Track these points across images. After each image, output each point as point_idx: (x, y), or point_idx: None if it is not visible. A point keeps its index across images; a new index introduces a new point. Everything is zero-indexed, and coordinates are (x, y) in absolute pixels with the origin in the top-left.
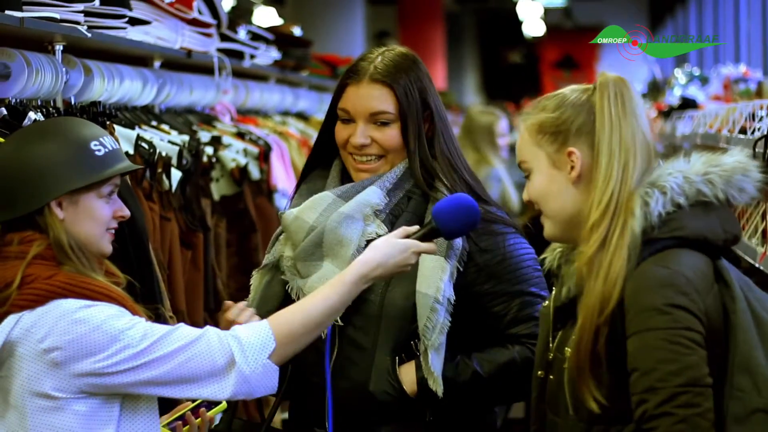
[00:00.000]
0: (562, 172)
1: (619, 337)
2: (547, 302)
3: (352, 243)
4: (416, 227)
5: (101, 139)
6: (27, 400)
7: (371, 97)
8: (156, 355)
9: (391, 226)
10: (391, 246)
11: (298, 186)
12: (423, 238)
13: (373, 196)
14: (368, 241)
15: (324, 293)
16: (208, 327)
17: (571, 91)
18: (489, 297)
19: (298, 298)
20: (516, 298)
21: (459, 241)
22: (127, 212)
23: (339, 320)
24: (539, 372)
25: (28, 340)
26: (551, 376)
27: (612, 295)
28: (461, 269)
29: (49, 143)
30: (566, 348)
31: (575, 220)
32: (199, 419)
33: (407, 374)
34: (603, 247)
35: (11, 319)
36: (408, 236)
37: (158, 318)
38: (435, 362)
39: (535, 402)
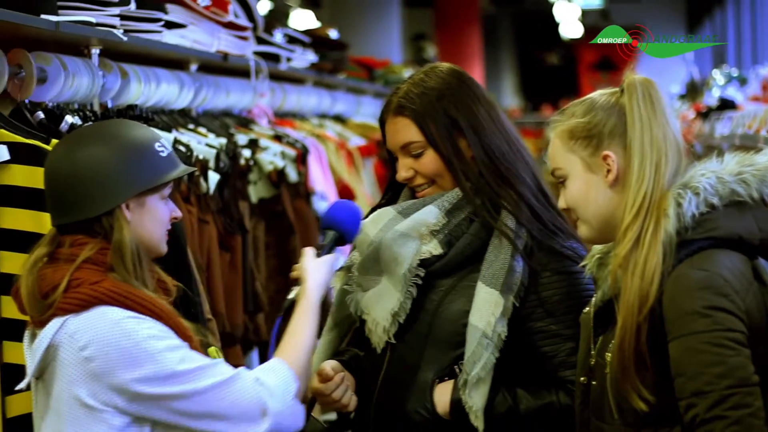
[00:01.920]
0: (598, 176)
1: (659, 339)
2: (587, 308)
3: (405, 262)
4: (313, 248)
5: (161, 140)
6: (64, 405)
7: (396, 131)
8: (191, 385)
9: (449, 246)
10: (327, 264)
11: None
12: (330, 251)
13: (429, 215)
14: (421, 261)
15: (305, 323)
16: (240, 370)
17: (598, 95)
18: (541, 335)
19: (356, 312)
20: (569, 342)
21: (517, 275)
22: (179, 213)
23: (392, 338)
24: (582, 378)
25: (71, 345)
26: (594, 382)
27: (650, 292)
28: (517, 305)
29: (114, 145)
30: (607, 353)
31: (612, 222)
32: None
33: (441, 395)
34: (637, 245)
35: (56, 322)
36: (318, 253)
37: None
38: (474, 396)
39: (579, 408)
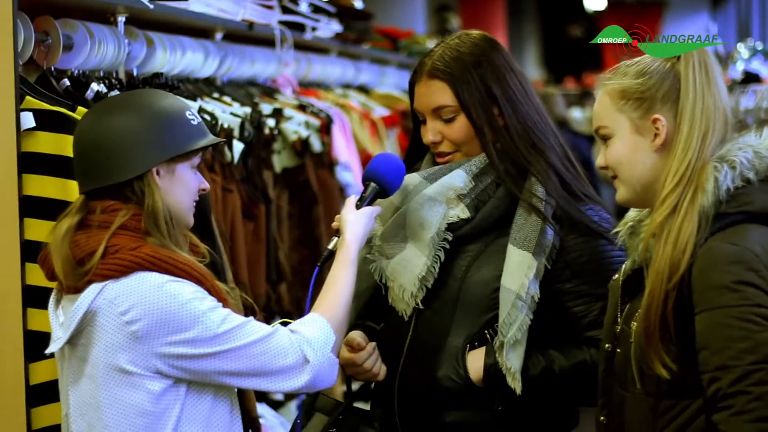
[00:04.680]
0: (645, 139)
1: (685, 310)
2: (617, 275)
3: (432, 226)
4: (355, 197)
5: (192, 109)
6: (101, 372)
7: (429, 93)
8: (232, 344)
9: (476, 211)
10: (367, 216)
11: None
12: (371, 203)
13: (457, 179)
14: (449, 224)
15: (342, 276)
16: (278, 326)
17: (652, 59)
18: (571, 296)
19: (381, 280)
20: (599, 301)
21: (549, 238)
22: (207, 185)
23: (420, 303)
24: (606, 345)
25: (111, 311)
26: (618, 350)
27: (681, 261)
28: (549, 267)
29: (145, 112)
30: (633, 322)
31: (653, 187)
32: None
33: (474, 361)
34: (673, 213)
35: (94, 288)
36: (358, 204)
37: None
38: (511, 358)
39: (602, 375)
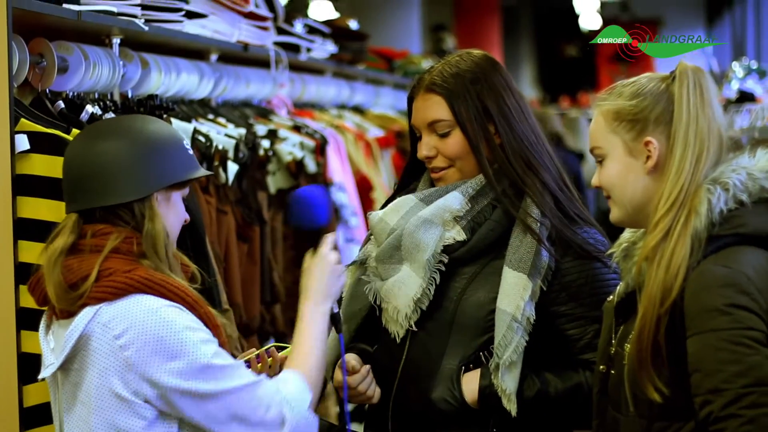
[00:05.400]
0: (637, 161)
1: (677, 333)
2: (611, 297)
3: (428, 248)
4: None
5: (185, 140)
6: (95, 396)
7: (425, 108)
8: (219, 384)
9: (472, 233)
10: (329, 273)
11: (394, 194)
12: (317, 248)
13: (454, 201)
14: (445, 246)
15: (313, 332)
16: (263, 376)
17: (648, 79)
18: (566, 318)
19: (375, 301)
20: (593, 324)
21: (544, 259)
22: (188, 216)
23: (413, 326)
24: (601, 366)
25: (105, 335)
26: (612, 371)
27: (674, 285)
28: (545, 288)
29: (147, 137)
30: (626, 344)
31: (645, 209)
32: (271, 359)
33: (469, 383)
34: (666, 237)
35: (88, 311)
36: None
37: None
38: (507, 380)
39: (596, 396)
